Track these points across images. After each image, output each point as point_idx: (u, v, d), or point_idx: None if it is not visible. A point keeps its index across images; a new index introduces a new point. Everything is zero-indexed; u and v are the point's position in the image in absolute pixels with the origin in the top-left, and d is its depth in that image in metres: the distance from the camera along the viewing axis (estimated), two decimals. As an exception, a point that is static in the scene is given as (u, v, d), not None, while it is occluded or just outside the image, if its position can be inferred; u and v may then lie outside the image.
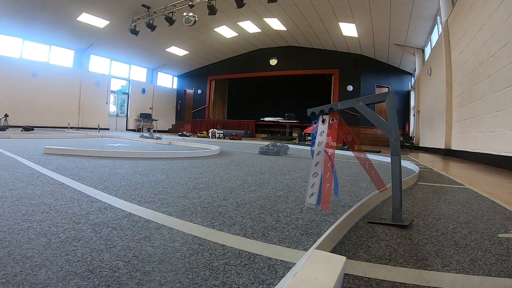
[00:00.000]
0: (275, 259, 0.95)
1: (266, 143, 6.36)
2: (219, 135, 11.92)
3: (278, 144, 5.54)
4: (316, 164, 1.63)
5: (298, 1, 10.42)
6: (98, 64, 15.99)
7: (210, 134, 12.19)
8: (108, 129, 16.27)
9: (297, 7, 10.91)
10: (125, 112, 17.88)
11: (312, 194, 1.64)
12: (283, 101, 19.30)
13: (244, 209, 1.55)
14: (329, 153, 1.64)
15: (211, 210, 1.49)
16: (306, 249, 1.02)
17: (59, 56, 14.23)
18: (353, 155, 6.10)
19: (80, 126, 14.93)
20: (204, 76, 19.18)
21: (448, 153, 7.09)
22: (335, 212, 1.57)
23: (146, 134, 9.85)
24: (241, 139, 11.73)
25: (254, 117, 17.21)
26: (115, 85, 17.05)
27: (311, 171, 1.64)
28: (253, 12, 11.59)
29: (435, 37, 9.13)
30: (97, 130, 12.23)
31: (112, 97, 16.96)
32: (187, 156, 4.12)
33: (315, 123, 1.68)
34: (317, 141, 1.65)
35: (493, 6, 4.73)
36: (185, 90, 20.53)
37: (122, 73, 17.46)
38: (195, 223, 1.29)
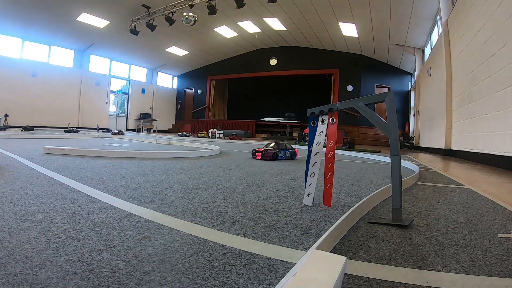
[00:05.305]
0: (275, 259, 0.95)
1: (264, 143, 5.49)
2: (219, 135, 11.92)
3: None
4: (314, 164, 1.63)
5: (298, 1, 10.42)
6: (98, 64, 16.00)
7: (210, 134, 12.19)
8: (108, 129, 16.28)
9: (297, 7, 10.92)
10: (125, 112, 17.89)
11: (309, 194, 1.65)
12: (283, 101, 19.31)
13: (244, 209, 1.55)
14: (329, 155, 1.64)
15: (211, 210, 1.49)
16: (306, 249, 1.02)
17: (59, 56, 14.23)
18: (352, 155, 6.13)
19: (80, 126, 14.92)
20: (204, 76, 19.18)
21: (448, 153, 7.09)
22: (335, 212, 1.57)
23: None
24: (241, 139, 11.73)
25: (254, 117, 17.22)
26: (115, 85, 17.07)
27: (309, 171, 1.64)
28: (253, 12, 11.59)
29: (435, 37, 9.13)
30: (97, 130, 12.23)
31: (112, 97, 16.98)
32: (187, 156, 4.12)
33: (313, 123, 1.68)
34: (315, 141, 1.65)
35: (493, 6, 4.73)
36: (185, 90, 20.54)
37: (122, 73, 17.47)
38: (195, 223, 1.29)
